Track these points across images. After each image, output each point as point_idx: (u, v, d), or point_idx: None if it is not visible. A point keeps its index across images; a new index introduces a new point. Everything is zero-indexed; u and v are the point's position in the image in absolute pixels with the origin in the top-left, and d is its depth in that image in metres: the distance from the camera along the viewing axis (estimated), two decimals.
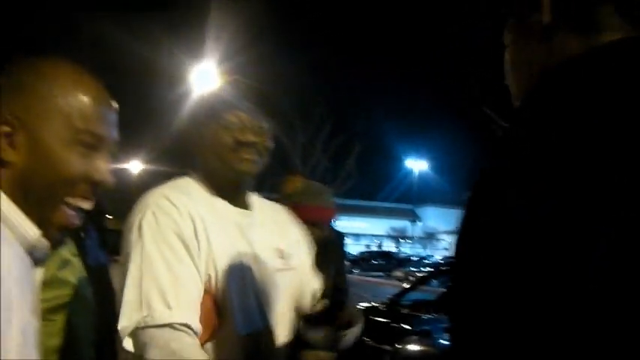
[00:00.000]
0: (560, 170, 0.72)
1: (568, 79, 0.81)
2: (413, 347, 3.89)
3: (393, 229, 53.96)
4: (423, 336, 3.99)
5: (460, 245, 0.81)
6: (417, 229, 50.88)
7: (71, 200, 1.00)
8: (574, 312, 0.67)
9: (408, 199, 51.46)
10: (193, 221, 1.56)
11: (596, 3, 0.85)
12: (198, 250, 1.54)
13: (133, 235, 1.51)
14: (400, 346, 3.83)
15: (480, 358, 0.75)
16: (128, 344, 1.43)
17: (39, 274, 1.01)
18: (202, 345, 1.49)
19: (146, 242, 1.49)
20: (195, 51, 22.52)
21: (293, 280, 1.78)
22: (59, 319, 1.68)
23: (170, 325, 1.42)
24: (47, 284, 1.63)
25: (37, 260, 0.98)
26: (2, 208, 0.91)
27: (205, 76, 21.97)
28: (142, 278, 1.46)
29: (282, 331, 1.71)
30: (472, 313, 0.76)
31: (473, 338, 0.76)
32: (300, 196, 2.71)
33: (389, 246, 49.99)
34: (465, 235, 0.81)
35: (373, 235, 52.64)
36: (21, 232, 0.93)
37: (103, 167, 1.03)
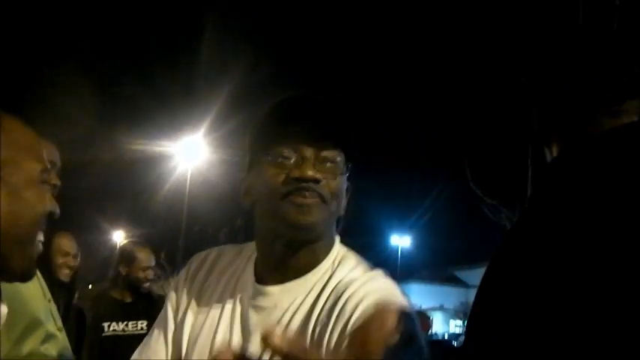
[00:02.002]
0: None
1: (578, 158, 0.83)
2: None
3: None
4: None
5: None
6: None
7: (38, 235, 1.07)
8: None
9: (392, 275, 51.18)
10: (182, 284, 1.36)
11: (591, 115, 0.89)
12: (173, 317, 1.36)
13: None
14: None
15: None
16: None
17: None
18: None
19: None
20: (181, 123, 22.70)
21: None
22: None
23: None
24: (27, 359, 1.59)
25: None
26: None
27: (192, 148, 22.08)
28: None
29: None
30: None
31: None
32: None
33: None
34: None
35: None
36: None
37: (52, 198, 1.10)
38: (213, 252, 1.41)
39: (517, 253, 0.80)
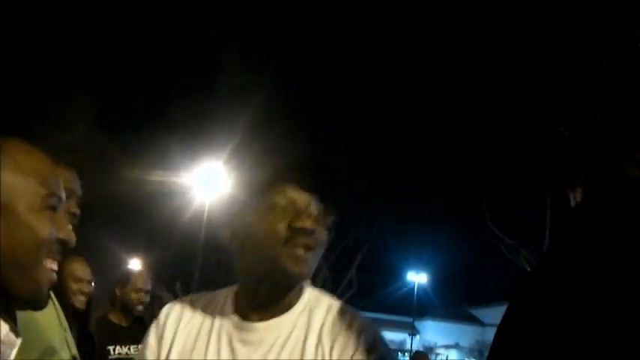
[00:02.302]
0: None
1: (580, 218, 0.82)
2: None
3: (392, 342, 53.06)
4: None
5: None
6: (415, 343, 49.95)
7: (45, 262, 1.05)
8: None
9: (407, 311, 50.77)
10: (161, 330, 1.44)
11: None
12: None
13: None
14: None
15: None
16: None
17: None
18: None
19: None
20: (201, 152, 22.78)
21: None
22: None
23: None
24: None
25: (7, 356, 0.98)
26: None
27: (212, 177, 22.13)
28: None
29: None
30: None
31: None
32: None
33: None
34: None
35: None
36: None
37: (66, 226, 1.07)
38: (186, 299, 1.49)
39: (539, 298, 0.79)
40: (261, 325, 1.34)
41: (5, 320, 1.00)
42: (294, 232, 1.27)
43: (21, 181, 1.03)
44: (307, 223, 1.27)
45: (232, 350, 1.33)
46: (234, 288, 1.43)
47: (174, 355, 1.37)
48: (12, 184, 1.02)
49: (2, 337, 0.96)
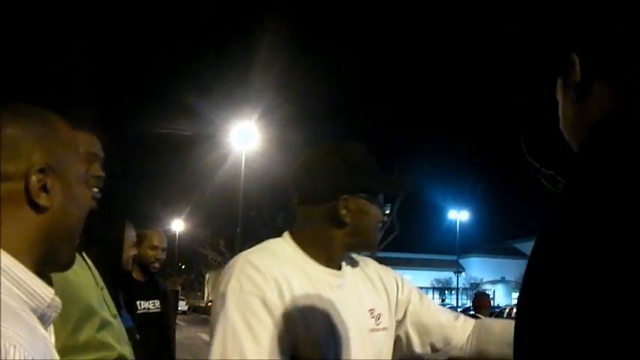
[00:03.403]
0: (618, 227, 0.69)
1: (616, 132, 0.79)
2: None
3: (438, 280, 53.45)
4: None
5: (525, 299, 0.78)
6: (461, 280, 50.21)
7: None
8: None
9: (451, 250, 50.94)
10: (278, 284, 1.48)
11: (628, 58, 0.85)
12: (284, 314, 1.46)
13: (217, 304, 1.47)
14: None
15: None
16: None
17: (52, 336, 1.05)
18: None
19: (229, 311, 1.44)
20: (234, 110, 22.91)
21: (385, 341, 1.73)
22: None
23: None
24: (84, 347, 1.62)
25: (49, 320, 1.00)
26: (18, 273, 0.94)
27: (245, 135, 22.36)
28: (225, 347, 1.42)
29: None
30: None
31: None
32: None
33: (434, 298, 49.47)
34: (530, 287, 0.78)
35: (418, 287, 52.26)
36: (38, 294, 0.96)
37: (91, 196, 1.12)
38: (258, 253, 1.59)
39: (570, 222, 0.76)
40: (343, 272, 1.70)
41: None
42: (381, 224, 1.75)
43: (70, 155, 1.06)
44: (385, 219, 1.79)
45: (335, 293, 1.62)
46: (288, 241, 1.66)
47: (300, 304, 1.53)
48: (65, 158, 1.05)
49: (49, 302, 0.98)
